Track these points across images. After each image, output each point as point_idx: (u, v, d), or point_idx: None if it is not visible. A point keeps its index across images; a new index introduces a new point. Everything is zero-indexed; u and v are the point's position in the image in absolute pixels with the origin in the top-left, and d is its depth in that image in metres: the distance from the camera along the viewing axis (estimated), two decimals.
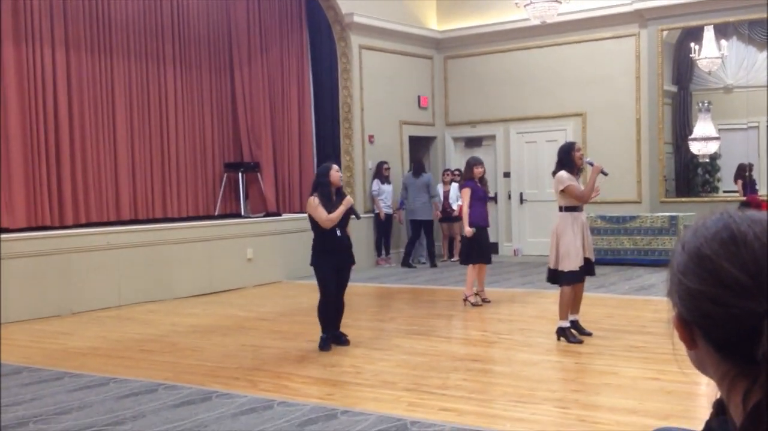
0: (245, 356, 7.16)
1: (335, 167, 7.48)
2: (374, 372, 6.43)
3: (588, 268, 7.39)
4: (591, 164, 7.49)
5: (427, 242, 13.99)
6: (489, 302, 9.68)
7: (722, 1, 12.72)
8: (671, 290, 1.06)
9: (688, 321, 1.03)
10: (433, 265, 13.77)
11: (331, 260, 7.30)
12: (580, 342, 7.23)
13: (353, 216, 7.51)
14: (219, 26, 13.53)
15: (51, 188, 10.88)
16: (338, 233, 7.31)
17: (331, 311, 7.35)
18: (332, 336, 7.37)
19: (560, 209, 7.38)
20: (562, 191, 7.31)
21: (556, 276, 7.37)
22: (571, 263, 7.21)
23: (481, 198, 9.46)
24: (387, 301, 10.57)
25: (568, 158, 7.40)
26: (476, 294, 9.63)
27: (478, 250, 9.40)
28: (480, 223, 9.39)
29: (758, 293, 0.97)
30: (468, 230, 9.32)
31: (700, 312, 1.01)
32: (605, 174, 7.46)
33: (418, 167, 14.11)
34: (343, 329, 7.50)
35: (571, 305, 7.45)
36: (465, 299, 9.52)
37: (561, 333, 7.34)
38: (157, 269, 10.89)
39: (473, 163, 9.53)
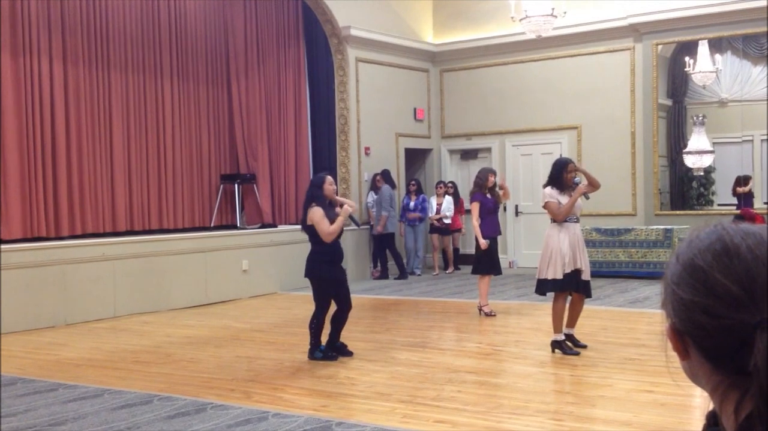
0: (240, 367, 7.15)
1: (329, 179, 7.42)
2: (369, 383, 6.43)
3: (578, 281, 7.31)
4: (576, 185, 7.47)
5: (396, 253, 14.01)
6: (494, 315, 9.65)
7: (717, 15, 12.80)
8: (665, 300, 1.07)
9: (681, 332, 1.04)
10: (404, 276, 13.84)
11: (336, 271, 7.32)
12: (577, 353, 7.24)
13: (354, 224, 7.54)
14: (216, 38, 13.57)
15: (47, 199, 10.88)
16: (340, 241, 7.42)
17: (321, 327, 7.35)
18: (338, 348, 7.42)
19: (552, 220, 7.46)
20: (543, 206, 7.45)
21: (540, 285, 7.40)
22: (555, 271, 7.22)
23: (491, 210, 9.53)
24: (382, 313, 10.56)
25: (559, 177, 7.45)
26: (480, 308, 9.69)
27: (489, 261, 9.51)
28: (492, 234, 9.49)
29: (750, 305, 0.98)
30: (483, 243, 9.35)
31: (692, 323, 1.02)
32: (587, 198, 7.51)
33: (391, 178, 14.14)
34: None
35: (568, 318, 7.45)
36: (480, 309, 9.65)
37: (556, 345, 7.35)
38: (153, 281, 10.87)
39: (487, 172, 9.54)
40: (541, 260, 7.38)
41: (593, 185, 7.62)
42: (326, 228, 7.15)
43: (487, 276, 9.59)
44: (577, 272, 7.29)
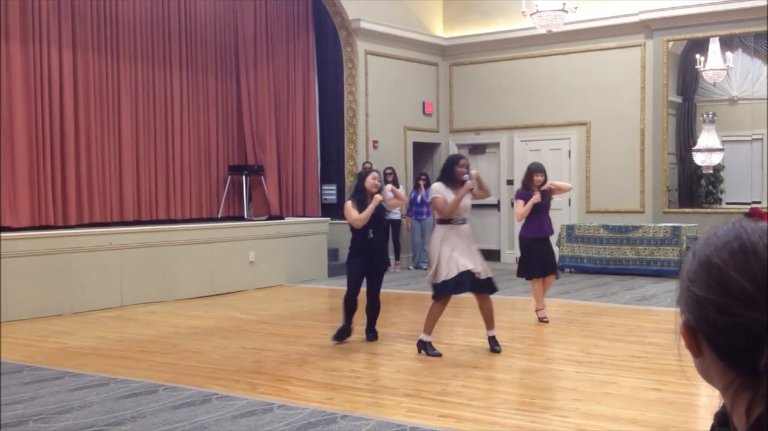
0: (246, 359, 7.16)
1: (374, 173, 7.75)
2: (374, 377, 6.43)
3: (473, 282, 7.06)
4: (464, 181, 7.18)
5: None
6: (546, 321, 8.75)
7: (728, 13, 12.74)
8: (680, 297, 1.06)
9: (695, 329, 1.03)
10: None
11: (361, 259, 7.58)
12: (439, 355, 7.11)
13: (386, 212, 7.94)
14: (226, 29, 13.56)
15: (55, 187, 10.90)
16: (370, 234, 7.55)
17: (350, 306, 7.65)
18: (368, 332, 7.85)
19: (438, 221, 7.31)
20: (430, 202, 7.30)
21: (433, 289, 7.19)
22: (440, 275, 7.02)
23: (536, 209, 8.63)
24: (389, 306, 10.53)
25: (449, 171, 7.25)
26: (537, 311, 8.96)
27: (528, 263, 8.78)
28: (533, 235, 8.71)
29: (764, 304, 0.96)
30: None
31: (705, 321, 1.01)
32: (473, 195, 7.28)
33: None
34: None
35: (483, 319, 7.27)
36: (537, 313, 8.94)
37: (421, 346, 7.22)
38: (159, 271, 10.89)
39: (534, 169, 8.74)
40: (429, 263, 7.22)
41: (484, 191, 7.49)
42: (353, 215, 7.47)
43: (537, 279, 8.78)
44: (469, 274, 7.01)
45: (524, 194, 8.72)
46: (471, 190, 7.15)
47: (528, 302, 10.36)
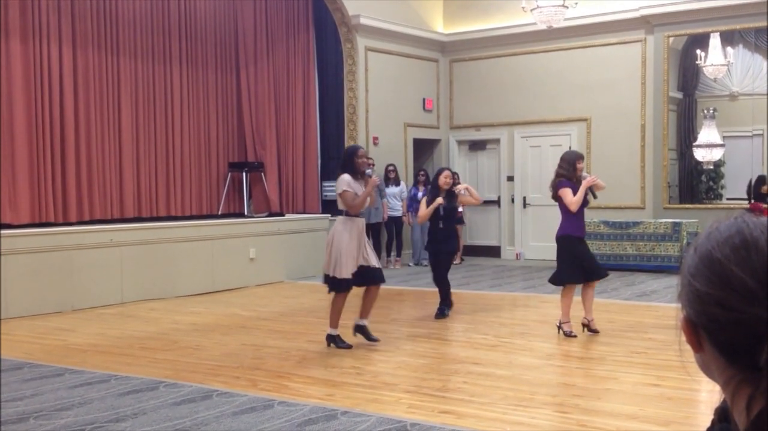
0: (246, 355, 7.16)
1: (446, 172, 8.82)
2: (375, 373, 6.43)
3: (369, 273, 7.23)
4: (369, 175, 7.20)
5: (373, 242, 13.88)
6: (596, 332, 7.74)
7: (728, 8, 12.72)
8: (681, 292, 1.05)
9: (696, 324, 1.03)
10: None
11: (432, 247, 9.00)
12: (350, 347, 7.25)
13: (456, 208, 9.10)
14: (226, 26, 13.55)
15: (55, 184, 10.90)
16: (440, 224, 8.82)
17: (437, 285, 8.98)
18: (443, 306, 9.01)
19: (343, 213, 7.28)
20: (339, 194, 7.25)
21: (332, 283, 7.22)
22: (344, 270, 7.09)
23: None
24: (390, 302, 10.54)
25: (350, 163, 7.22)
26: (585, 324, 7.80)
27: (571, 266, 7.66)
28: (573, 233, 7.62)
29: (765, 300, 0.96)
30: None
31: (706, 316, 1.00)
32: (381, 189, 7.38)
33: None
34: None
35: (362, 308, 7.40)
36: (559, 326, 7.82)
37: (330, 340, 7.33)
38: (160, 267, 10.89)
39: (575, 158, 7.74)
40: (330, 256, 7.15)
41: (369, 196, 7.43)
42: (420, 211, 8.92)
43: (570, 287, 7.73)
44: (365, 267, 7.20)
45: (569, 182, 7.59)
46: (377, 185, 7.23)
47: (528, 299, 10.36)
